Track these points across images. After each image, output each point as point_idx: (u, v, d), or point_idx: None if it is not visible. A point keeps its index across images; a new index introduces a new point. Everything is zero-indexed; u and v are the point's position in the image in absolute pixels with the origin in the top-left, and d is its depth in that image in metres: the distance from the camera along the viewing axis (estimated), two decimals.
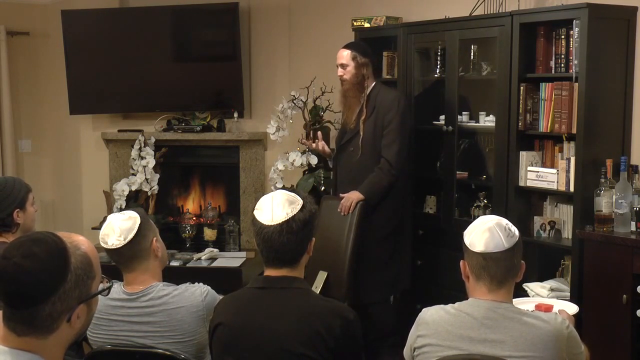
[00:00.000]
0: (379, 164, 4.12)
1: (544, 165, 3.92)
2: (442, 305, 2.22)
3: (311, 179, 5.13)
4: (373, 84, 4.22)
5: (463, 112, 4.35)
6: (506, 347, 2.07)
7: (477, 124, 4.32)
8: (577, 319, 2.77)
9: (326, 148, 4.51)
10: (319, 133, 4.57)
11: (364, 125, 4.15)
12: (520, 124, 3.91)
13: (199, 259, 5.34)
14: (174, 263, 5.19)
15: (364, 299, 4.14)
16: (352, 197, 4.09)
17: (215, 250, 5.48)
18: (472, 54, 4.33)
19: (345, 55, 4.19)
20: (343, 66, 4.19)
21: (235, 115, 5.86)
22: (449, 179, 4.38)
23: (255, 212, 2.26)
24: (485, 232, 2.14)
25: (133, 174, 5.79)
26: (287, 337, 2.15)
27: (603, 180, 3.56)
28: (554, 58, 3.82)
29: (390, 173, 4.09)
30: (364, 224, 4.08)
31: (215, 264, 5.29)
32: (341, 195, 4.15)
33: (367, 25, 4.79)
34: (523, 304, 2.65)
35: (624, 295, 3.36)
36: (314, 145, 4.50)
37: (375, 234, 4.14)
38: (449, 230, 4.32)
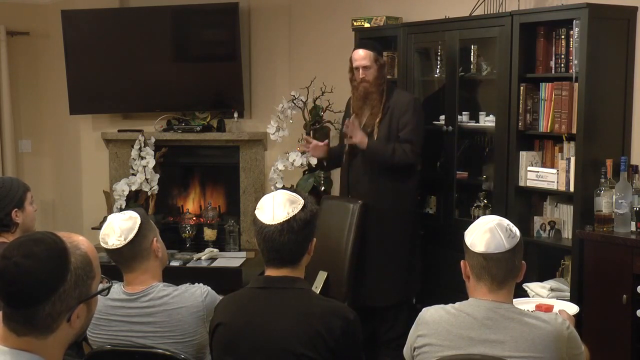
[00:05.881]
0: None
1: (544, 165, 3.91)
2: (442, 305, 2.22)
3: (311, 179, 5.13)
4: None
5: (463, 112, 4.35)
6: (506, 348, 2.07)
7: (477, 124, 4.31)
8: (577, 319, 2.77)
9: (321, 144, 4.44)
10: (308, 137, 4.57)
11: (378, 127, 4.09)
12: (520, 124, 3.91)
13: (199, 259, 5.34)
14: (174, 263, 5.18)
15: (386, 301, 4.13)
16: (359, 136, 4.02)
17: (215, 250, 5.48)
18: (472, 54, 4.33)
19: (366, 57, 4.09)
20: (366, 68, 4.08)
21: (235, 115, 5.85)
22: (449, 179, 4.38)
23: (256, 212, 2.26)
24: (486, 233, 2.14)
25: (133, 174, 5.79)
26: (287, 337, 2.15)
27: (603, 180, 3.56)
28: (554, 58, 3.82)
29: (405, 153, 4.03)
30: (366, 225, 4.08)
31: (215, 264, 5.28)
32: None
33: (367, 25, 4.78)
34: (523, 304, 2.65)
35: (624, 295, 3.35)
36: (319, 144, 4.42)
37: (397, 237, 4.13)
38: (449, 230, 4.32)
